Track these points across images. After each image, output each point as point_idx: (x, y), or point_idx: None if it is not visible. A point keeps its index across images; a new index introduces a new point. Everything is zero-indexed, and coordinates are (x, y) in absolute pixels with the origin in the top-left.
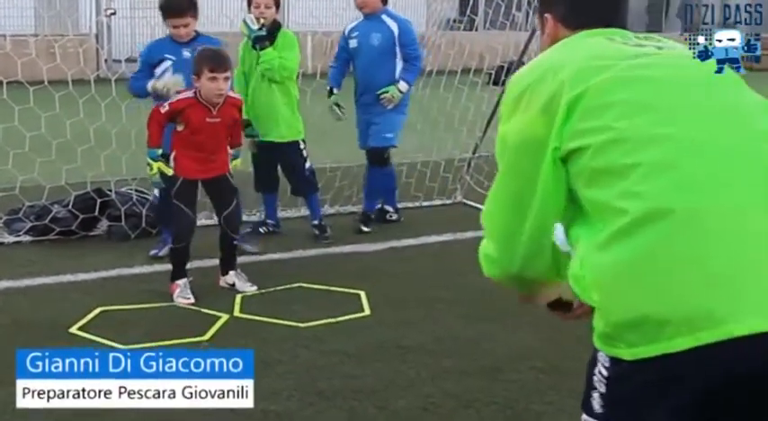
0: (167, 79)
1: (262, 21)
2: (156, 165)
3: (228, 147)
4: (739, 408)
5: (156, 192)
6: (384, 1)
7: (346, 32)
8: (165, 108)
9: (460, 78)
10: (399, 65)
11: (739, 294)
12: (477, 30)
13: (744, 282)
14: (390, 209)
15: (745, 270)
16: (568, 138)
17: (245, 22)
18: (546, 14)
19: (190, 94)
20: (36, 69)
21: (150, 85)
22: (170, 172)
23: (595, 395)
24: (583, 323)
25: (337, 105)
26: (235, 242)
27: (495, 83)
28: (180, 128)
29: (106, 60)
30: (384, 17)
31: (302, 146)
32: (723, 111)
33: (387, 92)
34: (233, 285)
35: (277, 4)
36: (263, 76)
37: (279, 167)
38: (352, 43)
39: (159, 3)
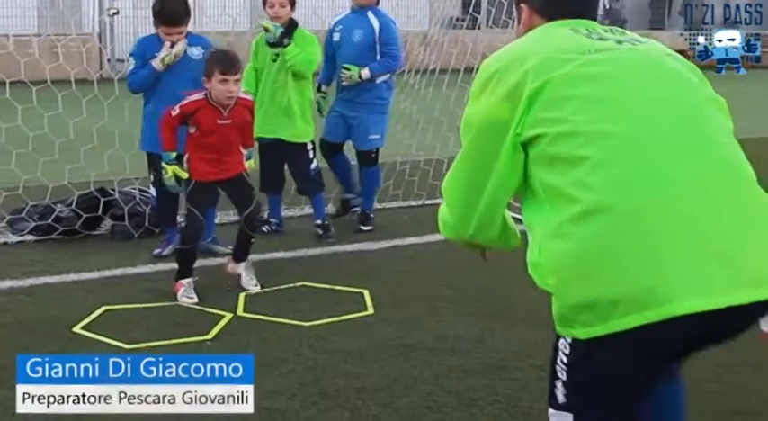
0: (173, 51)
1: (275, 22)
2: (170, 169)
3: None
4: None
5: (154, 191)
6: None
7: (331, 25)
8: (175, 111)
9: (463, 77)
10: None
11: (681, 277)
12: (479, 28)
13: (685, 266)
14: None
15: (686, 256)
16: (529, 126)
17: (266, 22)
18: (522, 4)
19: (200, 96)
20: (39, 69)
21: (158, 62)
22: (185, 175)
23: (559, 385)
24: None
25: (318, 103)
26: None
27: None
28: (192, 130)
29: (109, 60)
30: (369, 13)
31: (310, 146)
32: (674, 107)
33: (349, 69)
34: (239, 276)
35: (292, 4)
36: (279, 73)
37: (284, 167)
38: (336, 37)
39: (154, 10)
